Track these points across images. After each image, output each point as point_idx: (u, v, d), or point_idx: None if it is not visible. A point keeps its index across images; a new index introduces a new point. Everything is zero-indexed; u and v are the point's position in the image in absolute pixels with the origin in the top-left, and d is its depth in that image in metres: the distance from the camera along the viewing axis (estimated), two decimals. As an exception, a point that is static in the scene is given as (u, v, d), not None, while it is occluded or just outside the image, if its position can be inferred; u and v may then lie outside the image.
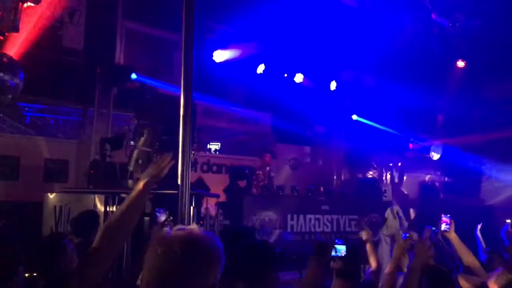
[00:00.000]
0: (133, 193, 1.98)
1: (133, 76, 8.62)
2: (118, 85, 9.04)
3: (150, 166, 2.09)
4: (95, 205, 6.08)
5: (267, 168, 9.57)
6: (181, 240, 1.40)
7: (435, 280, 3.44)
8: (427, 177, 12.83)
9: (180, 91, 2.84)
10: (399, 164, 13.91)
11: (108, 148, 7.12)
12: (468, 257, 4.22)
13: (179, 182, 2.77)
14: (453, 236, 4.32)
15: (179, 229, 1.47)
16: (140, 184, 2.00)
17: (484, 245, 5.43)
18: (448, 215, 4.28)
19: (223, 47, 10.06)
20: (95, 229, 4.03)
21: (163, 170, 2.09)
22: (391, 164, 12.01)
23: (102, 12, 9.02)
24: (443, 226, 4.34)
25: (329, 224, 8.53)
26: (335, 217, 8.63)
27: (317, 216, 8.41)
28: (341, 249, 3.19)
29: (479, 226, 5.73)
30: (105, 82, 9.00)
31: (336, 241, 3.22)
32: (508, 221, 6.30)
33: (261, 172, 9.27)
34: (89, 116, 9.39)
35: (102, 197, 6.12)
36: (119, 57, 9.40)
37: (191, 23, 2.91)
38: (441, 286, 3.40)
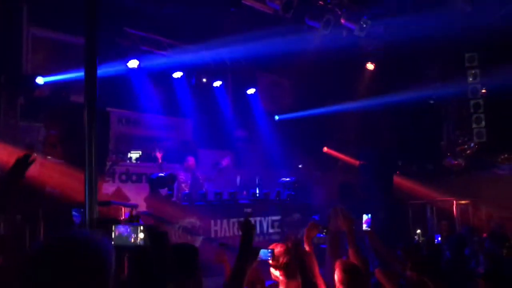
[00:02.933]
0: None
1: (39, 80, 8.18)
2: (25, 94, 8.53)
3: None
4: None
5: (190, 174, 9.47)
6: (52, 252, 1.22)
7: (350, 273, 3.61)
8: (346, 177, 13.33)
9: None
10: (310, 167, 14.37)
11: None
12: (386, 253, 4.46)
13: (85, 196, 2.66)
14: (372, 235, 4.60)
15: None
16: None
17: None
18: (369, 215, 4.57)
19: (138, 53, 9.86)
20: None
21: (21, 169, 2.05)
22: (300, 166, 12.37)
23: (5, 19, 8.47)
24: (364, 226, 4.60)
25: (252, 227, 8.61)
26: (258, 219, 8.72)
27: (240, 219, 8.43)
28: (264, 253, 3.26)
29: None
30: (11, 91, 8.45)
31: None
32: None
33: (182, 177, 9.17)
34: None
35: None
36: (26, 65, 8.86)
37: (94, 27, 2.81)
38: (356, 277, 3.57)
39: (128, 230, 1.81)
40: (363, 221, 4.65)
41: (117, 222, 1.94)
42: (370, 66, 12.10)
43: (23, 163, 2.06)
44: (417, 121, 12.85)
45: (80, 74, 7.93)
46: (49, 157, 6.41)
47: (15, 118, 8.59)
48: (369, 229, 4.68)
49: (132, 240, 1.79)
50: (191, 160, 9.69)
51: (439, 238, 7.19)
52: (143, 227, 1.76)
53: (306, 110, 12.23)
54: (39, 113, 8.08)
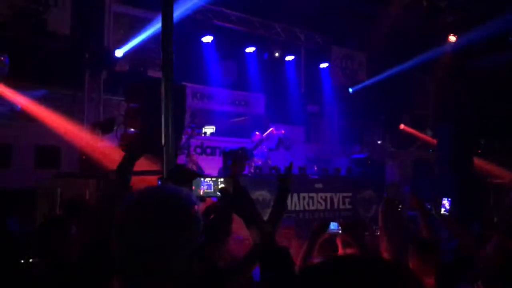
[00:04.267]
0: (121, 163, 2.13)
1: (118, 53, 8.54)
2: (108, 68, 8.96)
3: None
4: (87, 190, 6.09)
5: (261, 146, 9.55)
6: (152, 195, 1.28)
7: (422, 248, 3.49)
8: (420, 154, 12.86)
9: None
10: (390, 144, 13.95)
11: (99, 133, 7.10)
12: (465, 239, 4.20)
13: (164, 166, 2.77)
14: (450, 220, 4.30)
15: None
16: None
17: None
18: (449, 199, 4.24)
19: (210, 28, 9.99)
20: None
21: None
22: (379, 142, 12.04)
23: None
24: (442, 210, 4.31)
25: (323, 202, 8.57)
26: (328, 195, 8.66)
27: (310, 194, 8.43)
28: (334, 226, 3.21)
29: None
30: (94, 66, 8.93)
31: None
32: None
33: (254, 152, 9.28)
34: (79, 101, 9.33)
35: (94, 181, 6.12)
36: (108, 40, 9.29)
37: (170, 2, 2.86)
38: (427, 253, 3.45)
39: (210, 183, 1.89)
40: (442, 204, 4.38)
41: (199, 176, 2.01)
42: (452, 38, 11.41)
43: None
44: (500, 91, 11.96)
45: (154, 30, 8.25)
46: (131, 129, 6.70)
47: (99, 92, 9.10)
48: (447, 213, 4.39)
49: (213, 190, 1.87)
50: (258, 135, 9.75)
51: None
52: (224, 179, 1.82)
53: (381, 74, 11.78)
54: (119, 87, 8.46)
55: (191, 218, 1.27)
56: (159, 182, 5.38)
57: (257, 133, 9.70)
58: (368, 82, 12.23)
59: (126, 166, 2.14)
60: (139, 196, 1.28)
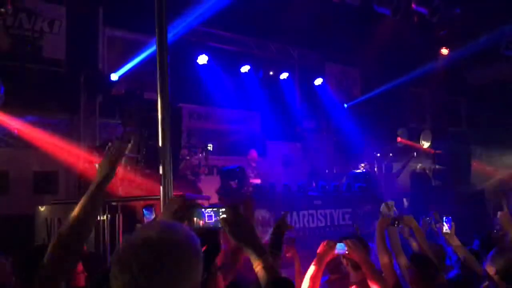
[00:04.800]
0: (92, 187, 1.92)
1: (114, 77, 8.59)
2: (103, 92, 9.00)
3: (103, 158, 2.05)
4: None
5: (253, 165, 9.62)
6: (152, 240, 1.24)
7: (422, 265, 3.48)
8: (418, 166, 12.87)
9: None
10: (390, 154, 13.96)
11: (97, 156, 7.09)
12: (468, 257, 4.14)
13: (160, 188, 2.75)
14: (455, 241, 4.23)
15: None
16: (98, 176, 1.95)
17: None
18: (450, 217, 4.23)
19: (205, 49, 10.08)
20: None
21: (117, 159, 2.04)
22: (378, 155, 12.05)
23: (83, 20, 8.97)
24: (445, 229, 4.28)
25: (323, 219, 8.54)
26: (328, 211, 8.64)
27: (310, 211, 8.41)
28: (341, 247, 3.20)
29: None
30: (90, 90, 8.97)
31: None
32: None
33: (249, 171, 9.30)
34: (76, 125, 9.34)
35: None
36: (103, 64, 9.35)
37: (164, 24, 2.88)
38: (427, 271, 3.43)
39: (210, 213, 1.87)
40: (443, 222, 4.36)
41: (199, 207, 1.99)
42: (444, 51, 11.54)
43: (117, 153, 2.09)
44: (494, 104, 12.04)
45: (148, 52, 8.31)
46: (126, 152, 6.72)
47: (94, 116, 9.11)
48: (449, 231, 4.35)
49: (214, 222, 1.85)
50: (253, 153, 9.80)
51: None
52: (225, 209, 1.80)
53: (376, 90, 11.87)
54: (116, 110, 8.49)
55: (193, 259, 1.25)
56: (145, 211, 5.32)
57: (252, 150, 9.75)
58: (362, 98, 12.30)
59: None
60: (138, 236, 1.25)
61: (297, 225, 8.21)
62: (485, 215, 8.73)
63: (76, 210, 1.85)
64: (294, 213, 8.19)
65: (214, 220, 1.85)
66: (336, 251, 3.10)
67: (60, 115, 9.30)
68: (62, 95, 8.77)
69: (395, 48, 10.61)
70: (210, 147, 10.86)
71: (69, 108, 9.08)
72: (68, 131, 9.44)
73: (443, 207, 8.52)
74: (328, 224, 8.60)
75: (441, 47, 11.48)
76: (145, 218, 5.09)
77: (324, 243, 3.21)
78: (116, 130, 8.43)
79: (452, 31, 10.80)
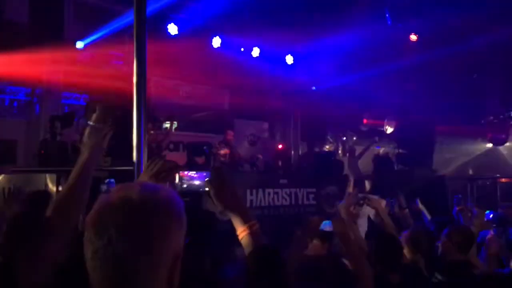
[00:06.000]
0: (80, 161, 1.91)
1: (79, 45, 8.28)
2: (68, 60, 8.66)
3: (88, 132, 2.03)
4: (46, 186, 5.87)
5: (228, 149, 9.40)
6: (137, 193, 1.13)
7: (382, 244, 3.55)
8: (381, 150, 13.15)
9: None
10: (354, 138, 14.19)
11: (58, 126, 6.86)
12: None
13: (134, 159, 2.69)
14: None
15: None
16: (85, 152, 1.94)
17: (429, 216, 5.62)
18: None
19: (178, 19, 9.78)
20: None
21: (105, 135, 2.04)
22: (344, 138, 12.22)
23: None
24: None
25: (287, 198, 8.62)
26: (293, 190, 8.71)
27: (275, 190, 8.46)
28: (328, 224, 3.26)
29: (419, 200, 5.92)
30: (53, 58, 8.60)
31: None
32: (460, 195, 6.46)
33: (221, 152, 9.15)
34: (38, 95, 8.99)
35: (54, 176, 5.90)
36: (67, 31, 8.97)
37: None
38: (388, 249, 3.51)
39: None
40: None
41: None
42: (413, 37, 11.65)
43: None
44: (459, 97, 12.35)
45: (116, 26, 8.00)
46: (89, 122, 6.52)
47: (58, 85, 8.78)
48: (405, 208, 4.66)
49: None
50: (230, 134, 9.62)
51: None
52: (211, 170, 1.76)
53: (345, 83, 11.94)
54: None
55: (176, 223, 1.15)
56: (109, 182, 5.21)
57: (229, 131, 9.56)
58: (332, 83, 12.32)
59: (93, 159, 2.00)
60: (117, 196, 1.13)
61: (262, 203, 8.26)
62: (444, 200, 9.01)
63: (63, 188, 1.88)
64: (260, 191, 8.22)
65: (197, 183, 1.80)
66: (322, 227, 3.16)
67: (21, 84, 8.94)
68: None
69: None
70: (175, 123, 10.71)
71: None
72: (29, 100, 9.10)
73: (405, 190, 8.79)
74: (293, 203, 8.69)
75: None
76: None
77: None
78: (79, 101, 8.18)
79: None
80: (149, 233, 1.10)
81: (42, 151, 6.77)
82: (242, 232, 1.58)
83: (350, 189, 4.38)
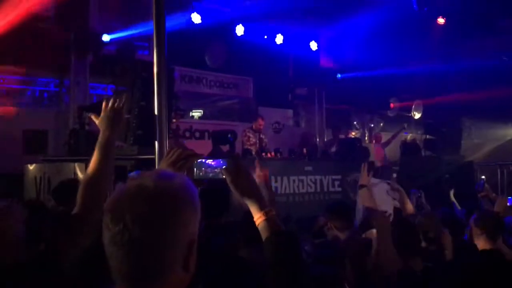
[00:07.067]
0: (101, 140, 2.06)
1: (106, 38, 8.40)
2: (94, 52, 8.81)
3: (104, 112, 2.14)
4: (75, 174, 6.02)
5: (260, 135, 9.39)
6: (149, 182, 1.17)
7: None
8: (409, 136, 12.95)
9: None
10: (381, 124, 14.03)
11: (87, 116, 7.00)
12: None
13: (156, 146, 2.73)
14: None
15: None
16: (104, 130, 2.09)
17: (459, 208, 5.54)
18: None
19: (201, 8, 9.80)
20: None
21: (120, 110, 2.13)
22: (372, 125, 12.08)
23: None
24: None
25: (312, 185, 8.59)
26: (318, 177, 8.68)
27: (300, 177, 8.45)
28: None
29: (451, 192, 5.83)
30: (80, 49, 8.77)
31: None
32: (483, 177, 6.36)
33: (251, 136, 9.17)
34: (66, 85, 9.20)
35: (83, 165, 6.05)
36: (93, 23, 9.11)
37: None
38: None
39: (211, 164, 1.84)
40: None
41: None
42: (441, 20, 11.38)
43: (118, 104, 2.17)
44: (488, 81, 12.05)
45: (145, 29, 8.14)
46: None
47: (85, 76, 8.95)
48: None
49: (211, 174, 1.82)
50: (261, 122, 9.57)
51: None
52: (227, 159, 1.77)
53: (370, 70, 11.78)
54: (106, 70, 8.33)
55: (190, 211, 1.19)
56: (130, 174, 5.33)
57: (260, 119, 9.47)
58: (357, 68, 12.15)
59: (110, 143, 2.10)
60: (133, 184, 1.18)
61: (287, 191, 8.27)
62: (472, 186, 8.82)
63: (88, 170, 2.00)
64: (285, 178, 8.22)
65: (214, 171, 1.82)
66: None
67: (50, 75, 9.16)
68: (52, 53, 8.57)
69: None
70: (200, 112, 10.79)
71: (59, 67, 8.91)
72: (58, 91, 9.32)
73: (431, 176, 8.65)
74: (318, 190, 8.67)
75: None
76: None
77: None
78: (107, 91, 8.33)
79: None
80: (163, 219, 1.13)
81: (71, 140, 6.94)
82: (258, 218, 1.60)
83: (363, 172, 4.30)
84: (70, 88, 8.94)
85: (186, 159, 1.86)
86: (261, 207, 1.61)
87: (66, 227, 1.97)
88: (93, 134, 7.10)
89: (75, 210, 1.93)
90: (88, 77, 8.97)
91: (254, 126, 9.36)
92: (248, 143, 9.19)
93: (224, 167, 1.71)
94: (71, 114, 8.40)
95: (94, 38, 8.71)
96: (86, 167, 6.04)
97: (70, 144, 6.87)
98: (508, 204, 4.90)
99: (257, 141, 9.26)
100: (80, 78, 8.89)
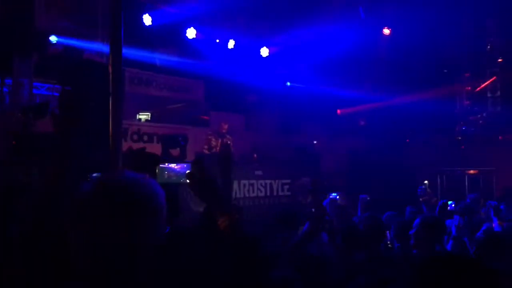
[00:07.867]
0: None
1: (53, 39, 8.12)
2: (39, 51, 8.48)
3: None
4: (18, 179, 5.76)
5: (224, 139, 9.46)
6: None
7: None
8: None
9: (108, 51, 2.72)
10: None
11: (31, 117, 6.73)
12: None
13: (110, 152, 2.68)
14: None
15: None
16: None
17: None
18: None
19: (153, 9, 9.68)
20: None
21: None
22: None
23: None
24: None
25: (262, 189, 8.67)
26: (268, 182, 8.77)
27: (251, 181, 8.50)
28: None
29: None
30: (24, 49, 8.41)
31: None
32: (426, 182, 6.61)
33: (213, 139, 9.26)
34: (8, 86, 8.78)
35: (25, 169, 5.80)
36: (39, 21, 8.77)
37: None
38: None
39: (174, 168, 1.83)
40: None
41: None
42: (386, 31, 11.80)
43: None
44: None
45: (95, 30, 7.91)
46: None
47: (29, 76, 8.58)
48: None
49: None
50: (224, 126, 9.61)
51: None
52: (191, 164, 1.77)
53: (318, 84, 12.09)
54: (53, 70, 8.05)
55: (156, 213, 1.20)
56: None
57: (224, 123, 9.59)
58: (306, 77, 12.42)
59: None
60: (97, 185, 1.18)
61: (238, 195, 8.30)
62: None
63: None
64: (235, 182, 8.25)
65: (176, 174, 1.81)
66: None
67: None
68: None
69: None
70: (147, 115, 10.62)
71: (1, 67, 8.49)
72: (-1, 91, 8.88)
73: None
74: (268, 194, 8.76)
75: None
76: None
77: None
78: (53, 91, 8.03)
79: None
80: (129, 222, 1.13)
81: (14, 143, 6.64)
82: (222, 222, 1.62)
83: None
84: (12, 88, 8.55)
85: (150, 163, 1.87)
86: (224, 211, 1.63)
87: None
88: (37, 136, 6.84)
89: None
90: (33, 77, 8.62)
91: (218, 130, 9.43)
92: (206, 146, 9.26)
93: (187, 171, 1.71)
94: (14, 116, 8.02)
95: (40, 38, 8.39)
96: (28, 171, 5.83)
97: (15, 146, 6.57)
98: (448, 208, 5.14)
99: (218, 145, 9.34)
100: (23, 78, 8.53)
